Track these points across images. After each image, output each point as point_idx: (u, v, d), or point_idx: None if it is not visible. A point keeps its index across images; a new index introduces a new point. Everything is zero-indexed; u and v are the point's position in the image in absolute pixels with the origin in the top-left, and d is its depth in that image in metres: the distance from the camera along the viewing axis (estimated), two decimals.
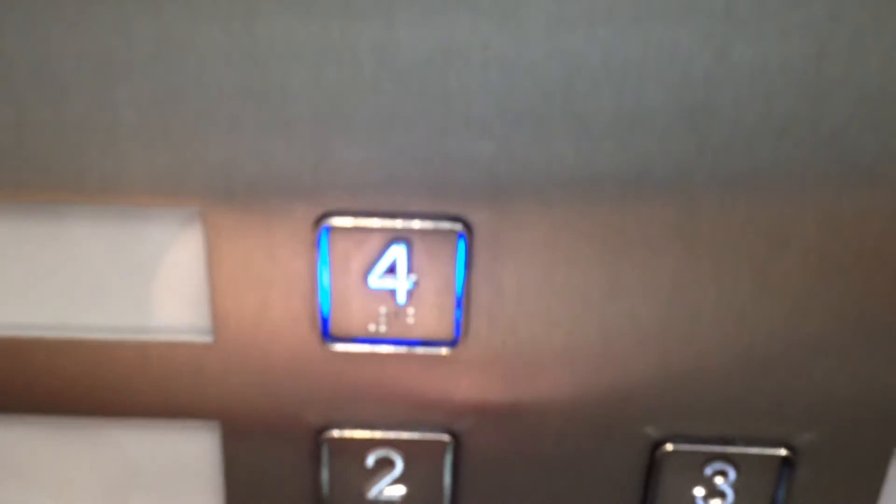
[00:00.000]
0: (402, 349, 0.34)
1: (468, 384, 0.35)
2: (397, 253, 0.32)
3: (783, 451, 0.35)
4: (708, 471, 0.36)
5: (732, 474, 0.36)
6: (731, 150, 0.30)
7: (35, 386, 0.34)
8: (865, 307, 0.32)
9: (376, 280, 0.32)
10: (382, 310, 0.33)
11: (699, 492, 0.36)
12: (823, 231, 0.31)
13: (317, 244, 0.31)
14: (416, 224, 0.31)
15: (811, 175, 0.30)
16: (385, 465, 0.37)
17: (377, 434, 0.36)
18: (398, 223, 0.31)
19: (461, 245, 0.31)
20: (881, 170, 0.30)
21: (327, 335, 0.33)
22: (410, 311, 0.33)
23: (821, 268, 0.32)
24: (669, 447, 0.35)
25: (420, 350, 0.34)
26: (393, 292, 0.33)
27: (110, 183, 0.30)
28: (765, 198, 0.30)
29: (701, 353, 0.33)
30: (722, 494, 0.36)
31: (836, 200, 0.30)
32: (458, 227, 0.31)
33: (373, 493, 0.37)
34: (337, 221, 0.31)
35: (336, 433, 0.36)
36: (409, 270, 0.32)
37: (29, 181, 0.30)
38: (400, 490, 0.37)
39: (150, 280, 0.33)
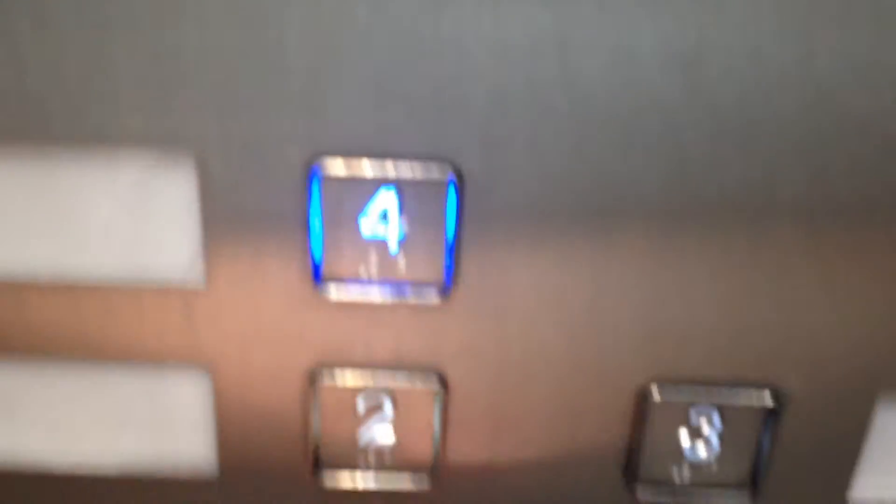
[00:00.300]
0: (392, 298, 0.34)
1: (458, 331, 0.35)
2: (389, 199, 0.32)
3: (768, 399, 0.35)
4: (694, 418, 0.36)
5: (718, 422, 0.36)
6: (722, 101, 0.30)
7: (28, 329, 0.35)
8: (853, 258, 0.33)
9: (368, 226, 0.32)
10: (374, 257, 0.33)
11: (685, 440, 0.37)
12: (813, 184, 0.31)
13: (308, 187, 0.31)
14: (407, 168, 0.31)
15: (802, 129, 0.30)
16: (376, 411, 0.37)
17: (368, 380, 0.36)
18: (389, 167, 0.31)
19: (451, 192, 0.32)
20: (872, 124, 0.30)
21: (319, 280, 0.33)
22: (402, 258, 0.33)
23: (810, 219, 0.32)
24: (656, 392, 0.35)
25: (411, 299, 0.34)
26: (384, 241, 0.33)
27: (106, 129, 0.30)
28: (755, 151, 0.31)
29: (689, 303, 0.33)
30: (707, 441, 0.37)
31: (826, 154, 0.30)
32: (448, 170, 0.31)
33: (364, 438, 0.38)
34: (329, 164, 0.31)
35: (327, 379, 0.36)
36: (401, 216, 0.32)
37: (26, 127, 0.30)
38: (390, 435, 0.38)
39: (144, 225, 0.33)
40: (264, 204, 0.32)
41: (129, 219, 0.32)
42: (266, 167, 0.31)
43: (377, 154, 0.31)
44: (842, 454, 0.37)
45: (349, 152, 0.31)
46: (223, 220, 0.32)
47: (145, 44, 0.29)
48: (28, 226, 0.33)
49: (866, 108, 0.30)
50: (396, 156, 0.31)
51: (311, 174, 0.31)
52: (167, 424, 0.37)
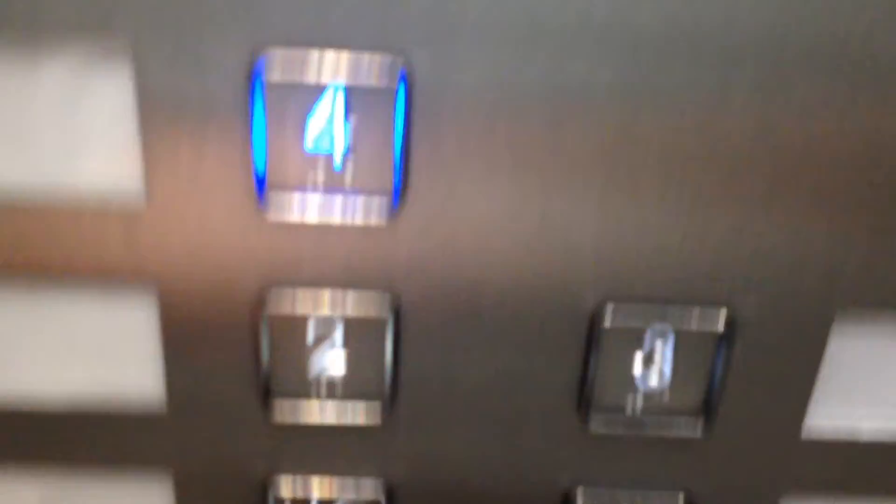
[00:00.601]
0: (340, 216, 0.33)
1: (408, 250, 0.34)
2: (336, 101, 0.31)
3: (721, 322, 0.35)
4: (647, 342, 0.36)
5: (671, 347, 0.36)
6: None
7: None
8: (804, 171, 0.32)
9: (313, 134, 0.32)
10: (320, 172, 0.33)
11: (638, 366, 0.37)
12: (764, 91, 0.31)
13: (251, 82, 0.30)
14: (355, 64, 0.30)
15: (756, 29, 0.30)
16: (326, 339, 0.37)
17: (319, 302, 0.35)
18: (333, 57, 0.30)
19: (401, 91, 0.31)
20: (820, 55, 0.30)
21: (262, 196, 0.33)
22: (348, 171, 0.33)
23: (760, 131, 0.32)
24: (609, 314, 0.35)
25: (359, 220, 0.33)
26: (330, 155, 0.32)
27: (34, 16, 0.29)
28: (707, 53, 0.30)
29: (641, 216, 0.33)
30: (660, 368, 0.36)
31: (780, 60, 0.30)
32: (399, 64, 0.30)
33: (314, 369, 0.37)
34: (273, 55, 0.30)
35: (275, 302, 0.35)
36: (347, 121, 0.31)
37: None
38: (343, 365, 0.37)
39: (80, 133, 0.32)
40: (205, 107, 0.31)
41: (63, 126, 0.32)
42: (206, 60, 0.30)
43: (322, 41, 0.30)
44: (796, 381, 0.37)
45: (292, 40, 0.30)
46: (162, 127, 0.31)
47: None
48: None
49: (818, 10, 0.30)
50: (342, 42, 0.30)
51: (253, 71, 0.30)
52: (115, 349, 0.37)
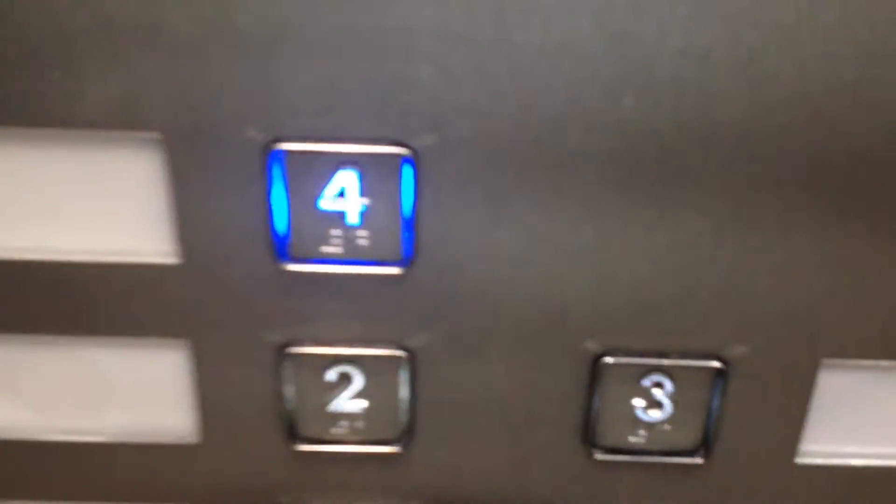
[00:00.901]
0: (355, 269, 0.36)
1: (419, 303, 0.37)
2: (347, 177, 0.34)
3: (716, 363, 0.37)
4: (646, 383, 0.38)
5: (669, 386, 0.38)
6: (654, 72, 0.31)
7: (9, 306, 0.37)
8: (790, 221, 0.34)
9: (328, 203, 0.34)
10: (336, 231, 0.35)
11: (638, 402, 0.39)
12: (746, 145, 0.32)
13: (268, 168, 0.33)
14: (363, 148, 0.33)
15: (731, 94, 0.32)
16: (345, 380, 0.39)
17: (335, 349, 0.38)
18: (345, 147, 0.33)
19: (407, 169, 0.33)
20: (797, 89, 0.31)
21: (283, 255, 0.35)
22: (363, 233, 0.35)
23: (746, 182, 0.33)
24: (609, 360, 0.37)
25: (373, 269, 0.36)
26: (343, 214, 0.35)
27: (71, 110, 0.32)
28: (690, 113, 0.32)
29: (635, 271, 0.35)
30: (659, 405, 0.39)
31: (757, 117, 0.32)
32: (403, 151, 0.33)
33: (334, 406, 0.40)
34: (287, 147, 0.33)
35: (295, 349, 0.38)
36: (361, 195, 0.34)
37: None
38: (362, 403, 0.40)
39: (115, 204, 0.34)
40: (228, 182, 0.33)
41: (99, 199, 0.34)
42: (227, 147, 0.32)
43: (333, 131, 0.32)
44: (788, 417, 0.39)
45: (305, 131, 0.32)
46: (191, 197, 0.34)
47: (102, 22, 0.30)
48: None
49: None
50: (351, 132, 0.32)
51: (269, 154, 0.33)
52: (149, 397, 0.40)
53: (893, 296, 0.36)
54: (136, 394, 0.40)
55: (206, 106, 0.32)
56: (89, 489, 0.42)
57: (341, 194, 0.34)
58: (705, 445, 0.40)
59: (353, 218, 0.35)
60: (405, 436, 0.40)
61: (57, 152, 0.33)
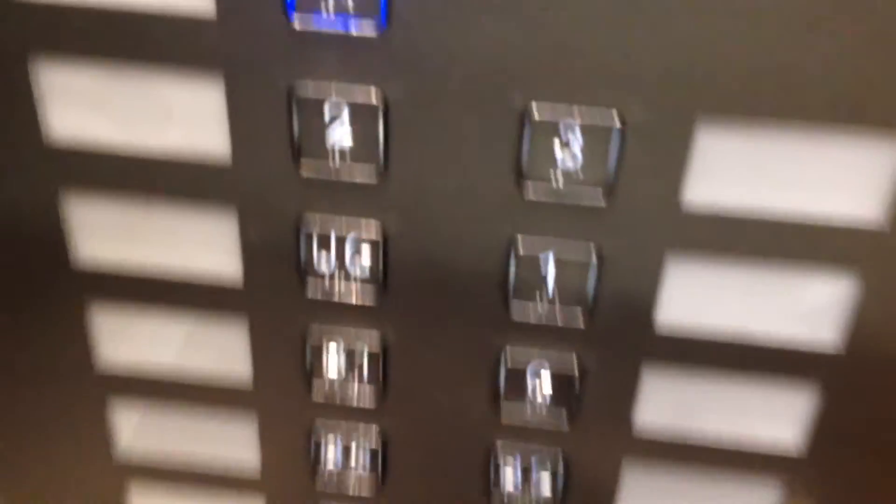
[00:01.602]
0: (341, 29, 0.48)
1: (398, 60, 0.49)
2: None
3: (615, 118, 0.48)
4: (562, 133, 0.50)
5: (580, 138, 0.50)
6: None
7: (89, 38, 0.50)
8: None
9: None
10: None
11: (558, 153, 0.50)
12: None
13: None
14: None
15: None
16: (337, 118, 0.52)
17: (331, 95, 0.50)
18: None
19: None
20: None
21: (291, 10, 0.48)
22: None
23: None
24: (534, 108, 0.49)
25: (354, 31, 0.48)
26: None
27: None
28: None
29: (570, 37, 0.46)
30: (573, 156, 0.50)
31: None
32: None
33: (329, 141, 0.53)
34: None
35: (300, 92, 0.50)
36: None
37: None
38: (348, 140, 0.52)
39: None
40: None
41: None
42: None
43: None
44: (671, 166, 0.50)
45: None
46: None
47: None
48: None
49: None
50: None
51: None
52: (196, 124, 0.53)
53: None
54: (189, 121, 0.53)
55: None
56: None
57: None
58: (608, 188, 0.51)
59: None
60: (383, 165, 0.53)
61: None
